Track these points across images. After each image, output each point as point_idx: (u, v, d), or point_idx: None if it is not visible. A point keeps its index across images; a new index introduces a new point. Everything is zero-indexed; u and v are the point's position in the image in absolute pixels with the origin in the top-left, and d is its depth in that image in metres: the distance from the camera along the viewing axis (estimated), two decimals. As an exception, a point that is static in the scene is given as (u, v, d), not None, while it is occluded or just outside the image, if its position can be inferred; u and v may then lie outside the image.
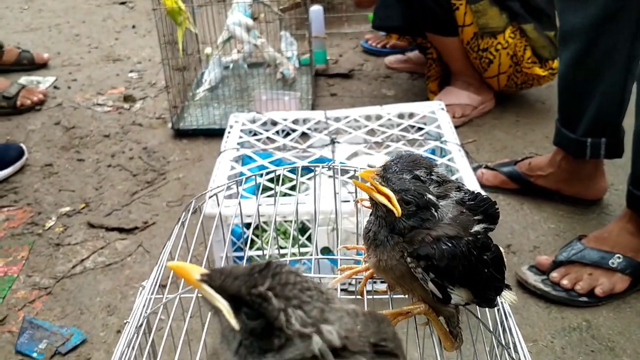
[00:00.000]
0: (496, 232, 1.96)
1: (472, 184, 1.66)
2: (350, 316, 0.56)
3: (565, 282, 1.66)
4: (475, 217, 0.78)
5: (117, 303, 1.69)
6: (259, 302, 0.52)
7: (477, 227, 0.78)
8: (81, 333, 1.58)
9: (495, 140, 2.49)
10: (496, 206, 0.82)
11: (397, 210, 0.75)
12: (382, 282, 0.90)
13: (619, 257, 1.65)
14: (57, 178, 2.31)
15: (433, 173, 0.83)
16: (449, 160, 1.81)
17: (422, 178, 0.80)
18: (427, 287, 0.77)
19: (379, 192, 0.76)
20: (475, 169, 2.13)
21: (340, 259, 0.93)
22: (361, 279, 0.89)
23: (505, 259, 0.85)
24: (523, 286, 1.71)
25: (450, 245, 0.75)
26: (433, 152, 2.01)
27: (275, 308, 0.52)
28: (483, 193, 0.85)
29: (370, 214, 0.82)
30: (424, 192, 0.76)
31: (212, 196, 1.06)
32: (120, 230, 2.00)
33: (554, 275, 1.68)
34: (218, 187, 1.08)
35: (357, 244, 0.98)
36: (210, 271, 0.56)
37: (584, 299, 1.64)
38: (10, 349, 1.55)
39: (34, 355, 1.52)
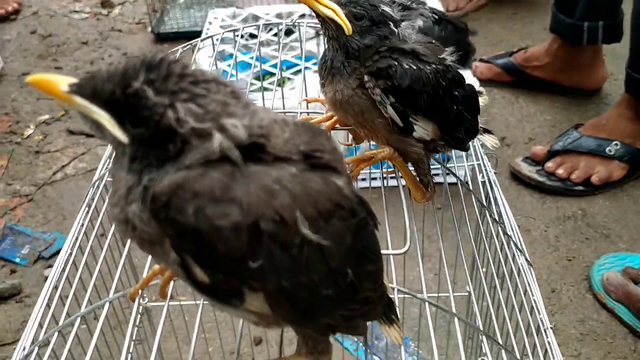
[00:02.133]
0: (490, 124, 1.90)
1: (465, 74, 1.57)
2: (273, 121, 0.47)
3: (560, 171, 1.61)
4: (445, 49, 0.70)
5: (100, 207, 1.64)
6: (135, 101, 0.44)
7: (445, 54, 0.69)
8: (64, 237, 1.54)
9: (492, 34, 2.38)
10: (467, 32, 0.75)
11: (347, 26, 0.66)
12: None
13: (616, 144, 1.58)
14: (35, 87, 2.21)
15: None
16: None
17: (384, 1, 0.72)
18: (386, 114, 0.68)
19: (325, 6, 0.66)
20: None
21: (300, 113, 0.86)
22: None
23: (479, 101, 0.76)
24: (517, 178, 1.66)
25: (414, 66, 0.65)
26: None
27: (157, 103, 0.43)
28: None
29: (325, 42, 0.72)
30: (377, 4, 0.66)
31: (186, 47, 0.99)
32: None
33: (549, 165, 1.62)
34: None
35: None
36: (80, 79, 0.46)
37: (580, 187, 1.59)
38: (-8, 255, 1.52)
39: (17, 260, 1.49)
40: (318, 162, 0.47)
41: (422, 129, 0.70)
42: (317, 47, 1.76)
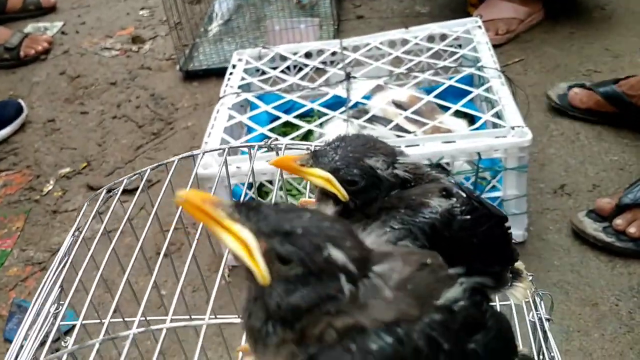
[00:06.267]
0: (547, 169, 1.68)
1: (514, 120, 1.37)
2: None
3: (632, 230, 1.38)
4: (450, 271, 0.45)
5: (115, 277, 1.52)
6: None
7: (451, 293, 0.44)
8: (74, 314, 1.42)
9: (546, 57, 2.15)
10: (507, 225, 0.54)
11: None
12: None
13: None
14: (59, 135, 2.12)
15: (397, 165, 0.55)
16: (486, 90, 1.51)
17: (378, 172, 0.54)
18: None
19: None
20: (569, 88, 1.84)
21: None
22: None
23: (513, 337, 0.52)
24: (580, 237, 1.44)
25: (388, 340, 0.41)
26: (469, 80, 1.71)
27: None
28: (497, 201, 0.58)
29: None
30: (322, 243, 0.41)
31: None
32: (122, 191, 1.80)
33: (618, 222, 1.40)
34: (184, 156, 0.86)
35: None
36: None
37: None
38: (-1, 335, 1.41)
39: (24, 342, 1.37)
40: None
41: None
42: (347, 92, 1.59)
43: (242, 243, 0.40)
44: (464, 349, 0.44)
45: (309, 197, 0.73)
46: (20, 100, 2.20)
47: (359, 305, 0.41)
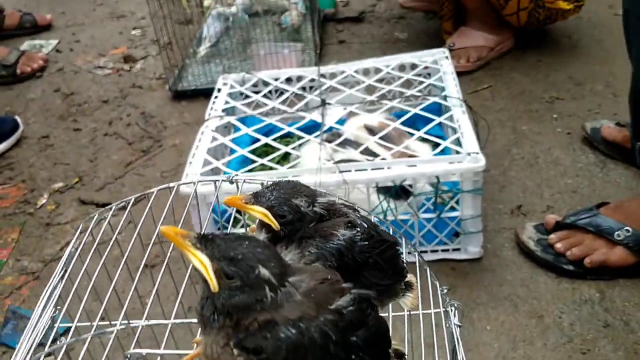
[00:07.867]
0: (506, 190, 1.81)
1: (471, 146, 1.50)
2: None
3: (559, 245, 1.51)
4: (344, 285, 0.62)
5: (104, 284, 1.63)
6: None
7: (342, 301, 0.61)
8: (65, 321, 1.53)
9: (514, 83, 2.30)
10: (397, 248, 0.69)
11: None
12: None
13: (627, 231, 1.46)
14: (53, 150, 2.24)
15: (316, 204, 0.71)
16: (449, 118, 1.64)
17: (302, 209, 0.69)
18: None
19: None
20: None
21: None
22: None
23: (388, 333, 0.66)
24: (530, 255, 1.57)
25: (292, 331, 0.58)
26: (438, 107, 1.84)
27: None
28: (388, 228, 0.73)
29: None
30: (254, 264, 0.59)
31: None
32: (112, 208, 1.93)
33: (552, 236, 1.53)
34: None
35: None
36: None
37: (570, 267, 1.49)
38: (-5, 340, 1.53)
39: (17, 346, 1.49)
40: None
41: None
42: (322, 117, 1.72)
43: (201, 263, 0.58)
44: (348, 341, 0.60)
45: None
46: (17, 117, 2.32)
47: (276, 306, 0.59)
